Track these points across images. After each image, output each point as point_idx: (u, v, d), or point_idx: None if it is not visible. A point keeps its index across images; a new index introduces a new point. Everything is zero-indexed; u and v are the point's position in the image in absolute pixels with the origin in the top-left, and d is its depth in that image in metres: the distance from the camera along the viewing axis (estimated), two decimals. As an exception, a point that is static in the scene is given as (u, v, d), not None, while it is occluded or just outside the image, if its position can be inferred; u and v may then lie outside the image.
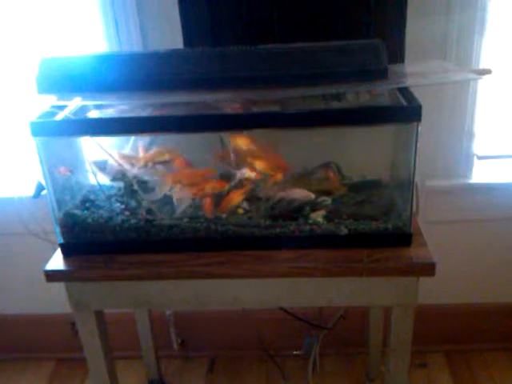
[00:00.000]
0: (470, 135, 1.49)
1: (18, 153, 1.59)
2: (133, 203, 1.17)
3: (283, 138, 1.13)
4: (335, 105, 1.10)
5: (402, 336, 1.12)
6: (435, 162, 1.51)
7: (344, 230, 1.08)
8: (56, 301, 1.60)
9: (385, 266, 1.03)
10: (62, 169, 1.13)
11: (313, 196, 1.13)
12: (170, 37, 1.32)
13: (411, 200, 1.05)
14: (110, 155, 1.13)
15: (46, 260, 1.11)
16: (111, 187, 1.23)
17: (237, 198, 1.13)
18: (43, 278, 1.09)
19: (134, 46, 1.40)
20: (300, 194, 1.13)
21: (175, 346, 1.81)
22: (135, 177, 1.16)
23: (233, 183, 1.13)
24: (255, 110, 1.08)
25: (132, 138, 1.18)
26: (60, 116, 1.05)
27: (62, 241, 1.12)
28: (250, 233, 1.10)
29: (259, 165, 1.13)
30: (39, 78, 1.06)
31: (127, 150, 1.16)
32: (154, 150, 1.15)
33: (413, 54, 1.24)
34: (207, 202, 1.13)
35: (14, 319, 1.85)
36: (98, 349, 1.17)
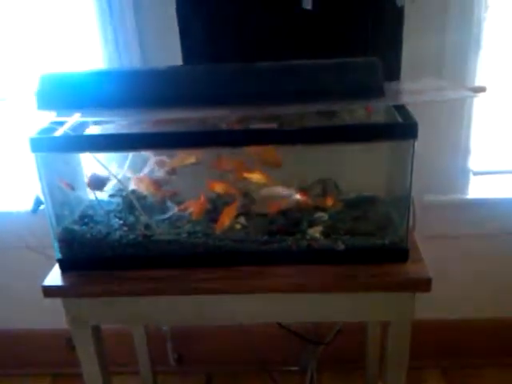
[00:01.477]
0: (466, 151, 1.51)
1: (16, 168, 1.59)
2: (131, 218, 1.17)
3: (280, 154, 1.14)
4: (332, 122, 1.11)
5: (399, 351, 1.12)
6: (431, 178, 1.52)
7: (341, 246, 1.08)
8: (52, 316, 1.59)
9: (382, 282, 1.04)
10: (64, 183, 1.14)
11: (295, 194, 1.14)
12: (169, 52, 1.33)
13: (408, 216, 1.06)
14: (109, 171, 1.14)
15: (44, 275, 1.11)
16: (110, 203, 1.24)
17: (231, 212, 1.13)
18: (40, 292, 1.09)
19: (134, 61, 1.41)
20: (283, 191, 1.14)
21: (172, 361, 1.81)
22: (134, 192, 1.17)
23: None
24: (252, 126, 1.09)
25: (130, 154, 1.19)
26: (59, 132, 1.06)
27: (60, 256, 1.12)
28: (247, 248, 1.10)
29: (255, 177, 1.14)
30: (39, 94, 1.07)
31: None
32: (180, 155, 1.16)
33: (409, 72, 1.26)
34: (198, 205, 1.14)
35: (11, 334, 1.84)
36: (94, 364, 1.16)
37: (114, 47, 1.40)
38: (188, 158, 1.15)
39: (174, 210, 1.18)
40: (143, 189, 1.18)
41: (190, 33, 1.26)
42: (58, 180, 1.13)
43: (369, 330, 1.58)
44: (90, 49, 1.43)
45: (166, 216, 1.17)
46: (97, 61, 1.43)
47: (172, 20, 1.25)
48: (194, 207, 1.16)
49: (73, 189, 1.15)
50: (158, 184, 1.17)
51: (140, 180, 1.17)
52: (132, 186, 1.18)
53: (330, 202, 1.17)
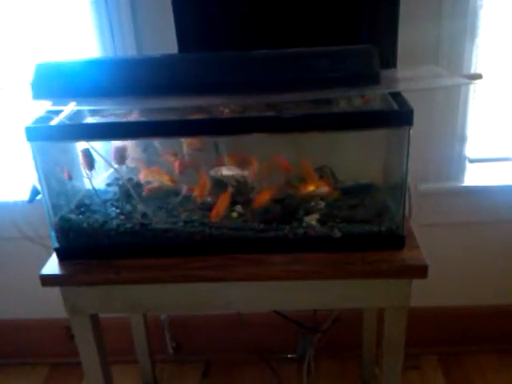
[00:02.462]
0: (462, 138, 1.51)
1: (12, 157, 1.59)
2: (128, 207, 1.17)
3: (276, 142, 1.14)
4: (328, 109, 1.11)
5: (395, 338, 1.13)
6: (427, 166, 1.53)
7: (338, 233, 1.09)
8: (50, 305, 1.60)
9: (378, 269, 1.04)
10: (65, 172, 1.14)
11: (245, 173, 1.14)
12: (165, 41, 1.32)
13: (404, 203, 1.06)
14: (105, 159, 1.14)
15: (41, 265, 1.11)
16: (106, 192, 1.24)
17: (225, 201, 1.13)
18: (38, 282, 1.09)
19: (129, 50, 1.41)
20: (232, 171, 1.14)
21: (170, 350, 1.82)
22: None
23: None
24: (249, 114, 1.09)
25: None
26: (55, 121, 1.06)
27: (57, 245, 1.12)
28: (244, 236, 1.11)
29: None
30: (34, 84, 1.07)
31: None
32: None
33: (405, 60, 1.25)
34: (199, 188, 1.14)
35: (8, 324, 1.85)
36: (93, 353, 1.17)
37: (108, 35, 1.40)
38: (192, 143, 1.15)
39: (183, 191, 1.17)
40: (156, 180, 1.17)
41: (185, 21, 1.25)
42: (59, 168, 1.13)
43: (365, 317, 1.59)
44: (84, 38, 1.42)
45: (179, 198, 1.17)
46: (91, 49, 1.43)
47: (167, 8, 1.24)
48: (196, 190, 1.15)
49: (70, 178, 1.15)
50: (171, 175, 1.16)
51: (152, 172, 1.17)
52: (142, 178, 1.18)
53: (326, 185, 1.17)
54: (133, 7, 1.38)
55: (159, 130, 1.05)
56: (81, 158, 1.13)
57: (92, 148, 1.11)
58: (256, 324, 1.68)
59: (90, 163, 1.13)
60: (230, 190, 1.14)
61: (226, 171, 1.15)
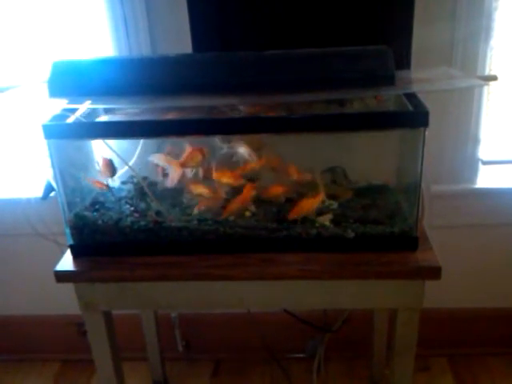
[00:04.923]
0: (475, 140, 1.51)
1: (26, 154, 1.60)
2: (142, 205, 1.18)
3: (290, 142, 1.14)
4: (342, 110, 1.11)
5: (406, 339, 1.12)
6: (440, 167, 1.52)
7: (351, 234, 1.09)
8: (61, 302, 1.61)
9: (391, 270, 1.04)
10: (94, 181, 1.17)
11: (250, 155, 1.13)
12: (179, 41, 1.33)
13: (417, 204, 1.06)
14: (120, 157, 1.14)
15: (53, 261, 1.12)
16: (120, 189, 1.24)
17: (243, 201, 1.14)
18: (49, 279, 1.10)
19: (143, 49, 1.42)
20: (243, 149, 1.13)
21: (180, 348, 1.82)
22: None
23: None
24: (262, 114, 1.09)
25: (141, 142, 1.20)
26: (71, 119, 1.07)
27: (71, 242, 1.13)
28: (257, 235, 1.11)
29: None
30: (51, 82, 1.08)
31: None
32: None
33: (419, 61, 1.25)
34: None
35: (20, 320, 1.86)
36: (106, 349, 1.18)
37: (123, 34, 1.40)
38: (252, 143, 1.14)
39: None
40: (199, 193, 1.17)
41: (199, 20, 1.26)
42: (88, 179, 1.16)
43: (376, 317, 1.59)
44: (99, 36, 1.43)
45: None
46: (106, 48, 1.44)
47: (182, 7, 1.25)
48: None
49: (108, 187, 1.18)
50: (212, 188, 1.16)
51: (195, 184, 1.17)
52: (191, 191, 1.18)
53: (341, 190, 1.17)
54: (147, 6, 1.39)
55: (173, 129, 1.05)
56: (102, 166, 1.15)
57: (107, 146, 1.12)
58: (266, 323, 1.69)
59: (112, 171, 1.15)
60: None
61: (241, 149, 1.14)
